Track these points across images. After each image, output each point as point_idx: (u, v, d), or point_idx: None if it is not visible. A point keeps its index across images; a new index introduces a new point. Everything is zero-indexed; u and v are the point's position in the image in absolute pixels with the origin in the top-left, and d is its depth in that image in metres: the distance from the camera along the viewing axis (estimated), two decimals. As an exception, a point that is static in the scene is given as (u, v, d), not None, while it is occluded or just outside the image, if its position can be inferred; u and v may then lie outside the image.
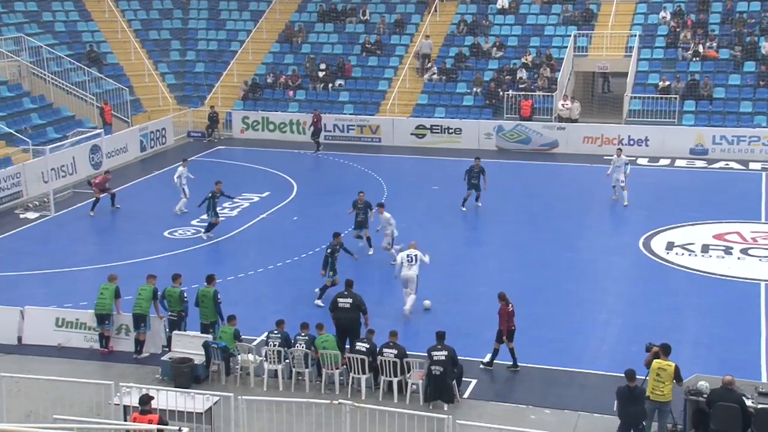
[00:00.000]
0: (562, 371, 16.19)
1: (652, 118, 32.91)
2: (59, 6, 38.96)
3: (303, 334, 15.80)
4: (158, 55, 39.41)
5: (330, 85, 36.64)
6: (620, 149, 27.99)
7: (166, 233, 23.92)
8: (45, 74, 33.72)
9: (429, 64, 36.37)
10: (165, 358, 16.09)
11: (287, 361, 15.78)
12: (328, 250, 19.51)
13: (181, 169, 26.19)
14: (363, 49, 37.98)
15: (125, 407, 13.55)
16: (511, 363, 16.19)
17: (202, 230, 23.67)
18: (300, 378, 15.75)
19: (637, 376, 13.35)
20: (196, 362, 15.76)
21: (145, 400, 12.50)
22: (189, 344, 16.13)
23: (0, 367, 15.15)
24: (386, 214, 21.75)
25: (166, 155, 33.24)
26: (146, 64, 38.10)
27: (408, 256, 18.82)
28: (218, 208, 23.71)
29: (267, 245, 23.35)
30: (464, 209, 25.61)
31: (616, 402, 13.55)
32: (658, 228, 24.00)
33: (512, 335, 16.16)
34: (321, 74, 36.96)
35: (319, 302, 19.02)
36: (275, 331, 15.98)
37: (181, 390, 14.20)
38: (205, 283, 17.02)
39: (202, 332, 16.59)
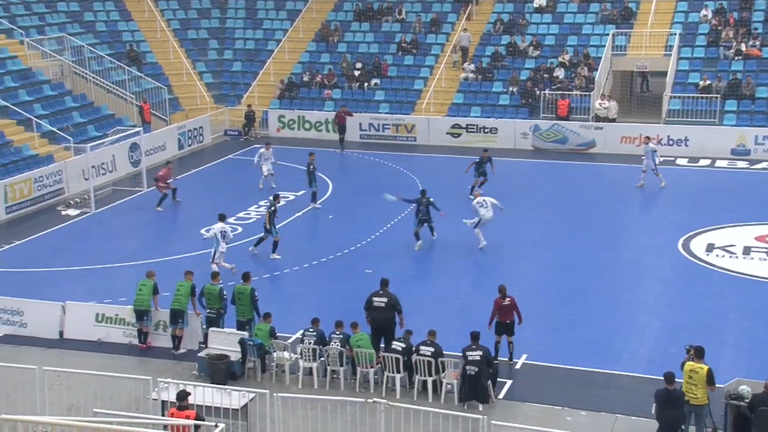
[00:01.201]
0: (600, 373, 16.05)
1: (693, 117, 32.47)
2: (100, 6, 39.50)
3: (338, 333, 15.85)
4: (196, 55, 39.78)
5: (366, 84, 36.70)
6: (648, 137, 28.66)
7: (203, 231, 24.10)
8: (86, 73, 34.21)
9: (467, 62, 36.23)
10: (202, 354, 16.23)
11: (322, 359, 15.83)
12: (421, 207, 22.42)
13: (262, 150, 28.29)
14: (399, 48, 37.97)
15: (163, 402, 13.69)
16: (508, 357, 16.34)
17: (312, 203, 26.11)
18: (335, 376, 15.80)
19: (677, 380, 13.19)
20: (232, 359, 15.87)
21: (183, 396, 12.62)
22: (225, 341, 16.26)
23: (42, 361, 15.41)
24: (219, 224, 20.96)
25: (204, 153, 33.53)
26: (184, 63, 38.49)
27: (484, 201, 22.45)
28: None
29: (302, 243, 23.45)
30: (472, 197, 25.53)
31: (654, 405, 13.40)
32: (698, 229, 23.68)
33: (505, 329, 16.23)
34: (357, 73, 37.03)
35: (419, 245, 22.44)
36: (310, 329, 16.04)
37: (218, 386, 14.31)
38: (242, 281, 17.13)
39: (238, 329, 16.71)
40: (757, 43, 34.30)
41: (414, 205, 23.21)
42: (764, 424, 12.66)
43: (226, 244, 20.82)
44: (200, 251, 22.42)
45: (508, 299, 16.30)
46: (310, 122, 35.75)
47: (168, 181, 26.61)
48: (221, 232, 20.65)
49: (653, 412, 13.51)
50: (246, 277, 17.20)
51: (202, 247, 22.77)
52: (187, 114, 36.34)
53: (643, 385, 15.06)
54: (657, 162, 27.84)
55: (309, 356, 15.77)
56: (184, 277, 17.38)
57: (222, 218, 21.20)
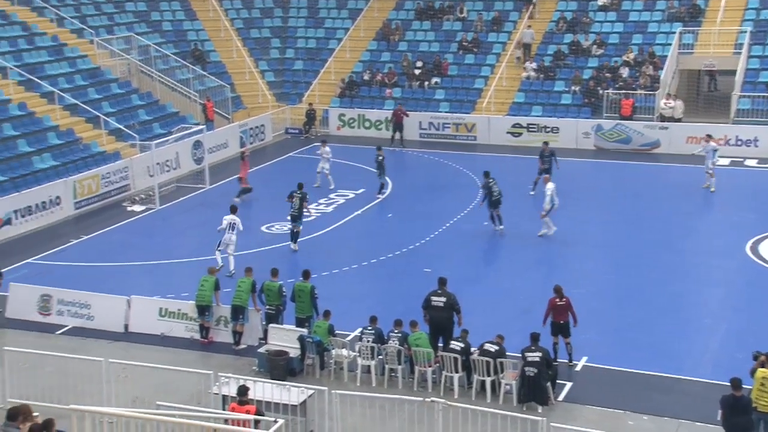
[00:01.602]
0: (663, 377, 15.74)
1: (763, 117, 31.59)
2: (167, 6, 40.27)
3: (396, 331, 15.86)
4: (259, 53, 40.26)
5: (426, 82, 36.66)
6: (709, 135, 27.89)
7: (263, 228, 24.40)
8: (152, 72, 34.89)
9: (530, 60, 35.87)
10: (261, 350, 16.41)
11: (380, 357, 15.86)
12: (494, 189, 23.21)
13: (320, 148, 28.39)
14: (460, 46, 37.82)
15: (224, 397, 13.89)
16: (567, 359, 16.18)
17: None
18: (393, 374, 15.81)
19: (743, 386, 12.86)
20: (291, 355, 16.01)
21: (243, 391, 12.79)
22: (285, 337, 16.41)
23: (108, 354, 15.76)
24: (230, 216, 21.19)
25: (265, 151, 33.87)
26: (247, 61, 38.99)
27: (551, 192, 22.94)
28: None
29: (361, 242, 23.53)
30: (533, 193, 26.22)
31: (720, 411, 13.09)
32: (767, 232, 23.02)
33: (559, 330, 16.05)
34: (417, 72, 37.01)
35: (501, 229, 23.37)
36: (369, 327, 16.10)
37: (277, 382, 14.45)
38: (302, 278, 17.27)
39: (297, 326, 16.85)
40: (832, 40, 33.24)
41: (482, 192, 24.05)
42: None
43: (235, 236, 21.03)
44: (260, 248, 22.71)
45: (563, 300, 16.12)
46: (370, 121, 35.86)
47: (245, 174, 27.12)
48: (230, 223, 20.93)
49: (719, 418, 13.20)
50: (306, 274, 17.33)
51: (262, 244, 23.07)
52: (249, 112, 36.80)
53: (709, 391, 14.72)
54: (714, 161, 27.05)
55: (367, 354, 15.82)
56: (244, 274, 17.60)
57: (233, 210, 21.47)
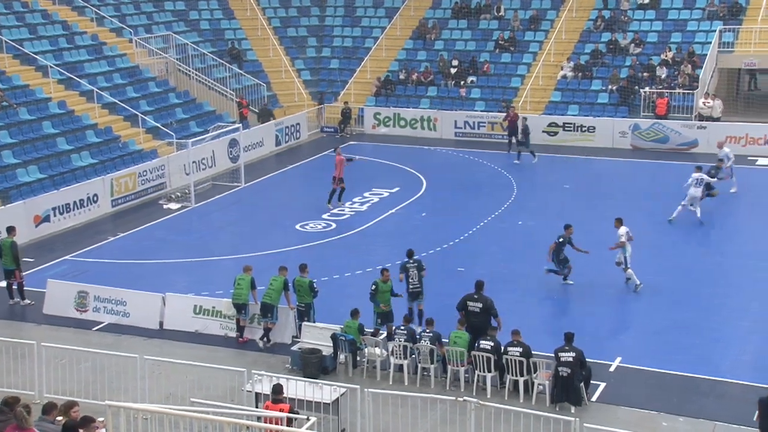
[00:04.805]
0: (700, 379, 15.55)
1: (804, 116, 31.05)
2: (205, 5, 40.62)
3: (428, 331, 15.83)
4: (295, 52, 40.42)
5: (462, 81, 36.53)
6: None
7: (297, 226, 24.50)
8: (190, 71, 35.22)
9: None
10: (295, 348, 16.47)
11: (413, 356, 15.85)
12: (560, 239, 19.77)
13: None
14: (496, 45, 37.63)
15: (257, 394, 13.97)
16: None
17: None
18: (425, 374, 15.79)
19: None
20: (324, 353, 16.05)
21: (278, 389, 12.83)
22: (318, 335, 16.46)
23: (143, 350, 15.96)
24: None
25: (300, 150, 34.02)
26: (283, 60, 39.18)
27: (696, 179, 23.72)
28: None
29: (395, 240, 23.51)
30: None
31: (757, 413, 12.88)
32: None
33: None
34: (453, 71, 36.90)
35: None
36: (401, 327, 16.08)
37: (310, 380, 14.50)
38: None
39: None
40: None
41: None
42: None
43: None
44: (296, 246, 22.79)
45: None
46: (405, 119, 35.84)
47: (342, 171, 25.61)
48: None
49: (755, 419, 12.99)
50: (384, 274, 17.40)
51: (298, 242, 23.16)
52: (285, 111, 36.98)
53: (746, 393, 14.51)
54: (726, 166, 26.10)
55: (400, 353, 15.82)
56: (278, 272, 17.62)
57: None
